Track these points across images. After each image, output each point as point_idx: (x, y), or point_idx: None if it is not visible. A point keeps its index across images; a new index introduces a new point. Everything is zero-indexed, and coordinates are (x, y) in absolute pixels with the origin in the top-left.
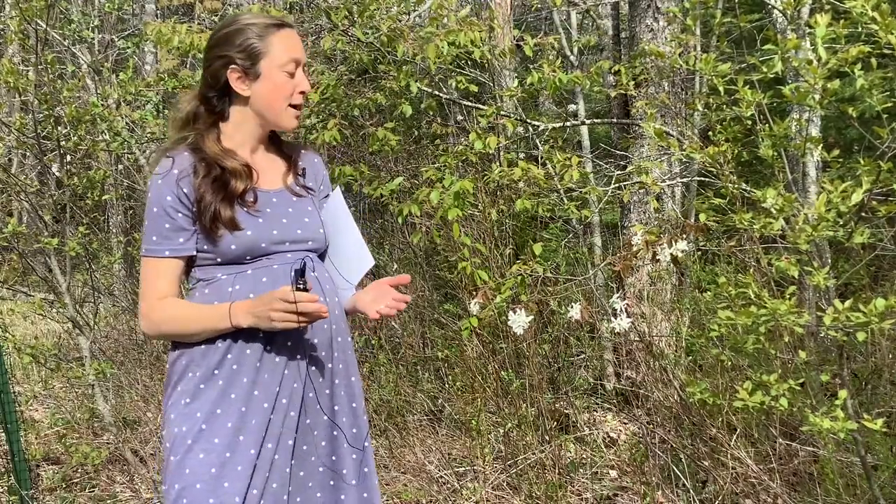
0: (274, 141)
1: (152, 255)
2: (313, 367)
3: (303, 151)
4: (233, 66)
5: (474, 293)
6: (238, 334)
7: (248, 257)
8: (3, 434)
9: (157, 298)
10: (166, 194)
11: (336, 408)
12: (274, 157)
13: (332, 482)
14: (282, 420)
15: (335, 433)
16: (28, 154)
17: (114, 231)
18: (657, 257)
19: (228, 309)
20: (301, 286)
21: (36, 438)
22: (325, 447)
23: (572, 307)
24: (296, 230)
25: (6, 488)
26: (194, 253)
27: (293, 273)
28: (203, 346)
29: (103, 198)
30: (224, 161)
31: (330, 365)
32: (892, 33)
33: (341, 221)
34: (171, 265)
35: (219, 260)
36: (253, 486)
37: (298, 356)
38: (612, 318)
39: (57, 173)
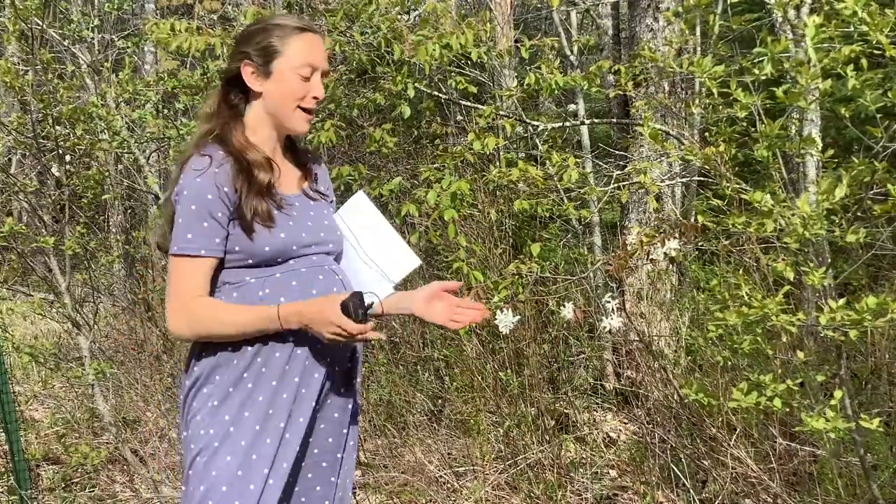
0: (290, 148)
1: (188, 252)
2: (337, 368)
3: (311, 157)
4: (247, 61)
5: (470, 293)
6: (268, 338)
7: (278, 259)
8: (3, 434)
9: (193, 297)
10: (207, 192)
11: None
12: (290, 163)
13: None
14: (302, 421)
15: (344, 430)
16: (27, 154)
17: (113, 231)
18: (651, 257)
19: (277, 312)
20: (360, 317)
21: (36, 438)
22: (333, 448)
23: (564, 306)
24: (319, 233)
25: (6, 488)
26: (223, 256)
27: (356, 301)
28: (231, 350)
29: (103, 197)
30: (248, 153)
31: (349, 364)
32: (881, 32)
33: (375, 221)
34: (206, 264)
35: (250, 262)
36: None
37: (328, 358)
38: (605, 318)
39: (56, 173)
